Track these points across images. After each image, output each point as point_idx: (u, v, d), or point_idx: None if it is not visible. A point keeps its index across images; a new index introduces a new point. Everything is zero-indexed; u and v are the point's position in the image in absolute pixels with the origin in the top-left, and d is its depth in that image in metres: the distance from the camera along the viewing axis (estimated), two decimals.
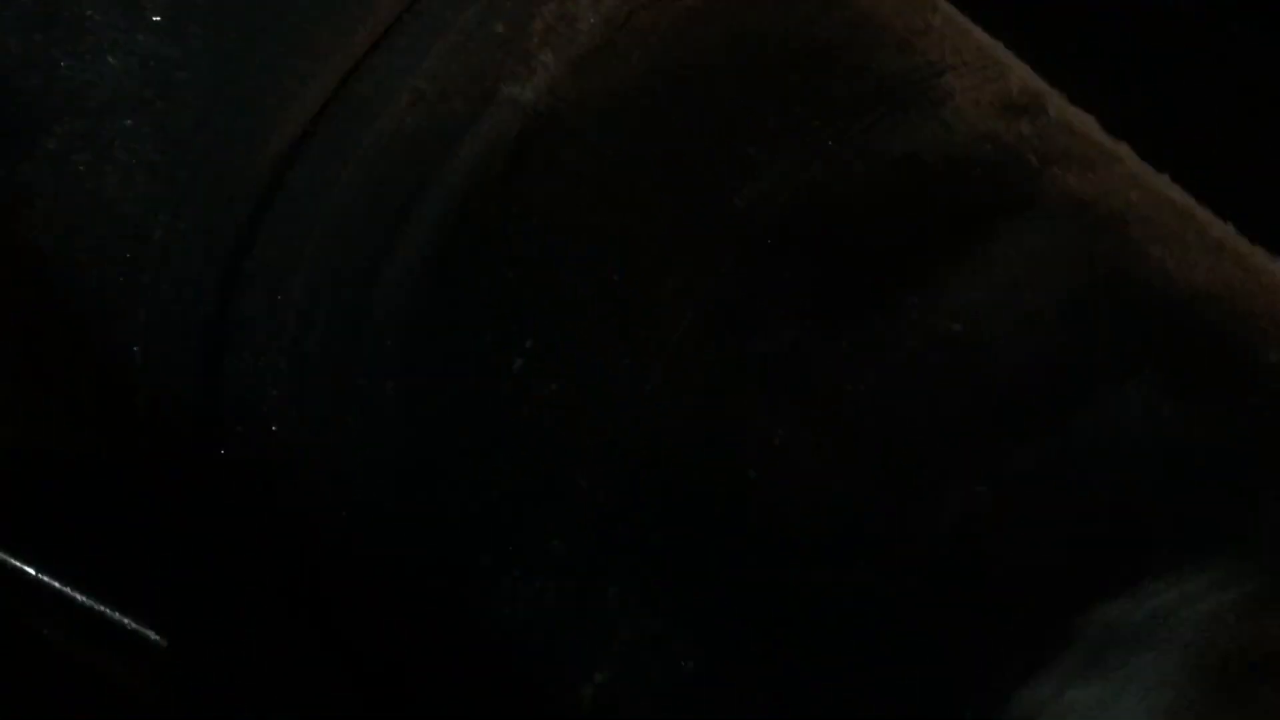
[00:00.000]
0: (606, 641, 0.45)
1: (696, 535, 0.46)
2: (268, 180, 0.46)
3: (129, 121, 0.48)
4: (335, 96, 0.45)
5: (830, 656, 0.44)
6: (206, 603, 0.56)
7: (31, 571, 0.59)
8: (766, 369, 0.47)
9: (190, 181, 0.47)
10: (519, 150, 0.44)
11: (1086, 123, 0.56)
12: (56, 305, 0.49)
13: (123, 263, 0.47)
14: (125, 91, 0.49)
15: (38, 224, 0.51)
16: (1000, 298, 0.49)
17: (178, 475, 0.50)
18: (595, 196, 0.46)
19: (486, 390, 0.44)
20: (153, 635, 0.59)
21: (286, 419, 0.45)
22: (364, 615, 0.48)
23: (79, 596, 0.59)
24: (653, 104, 0.47)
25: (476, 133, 0.45)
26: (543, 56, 0.46)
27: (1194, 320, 0.50)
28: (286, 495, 0.46)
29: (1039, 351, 0.48)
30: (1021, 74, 0.57)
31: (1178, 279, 0.51)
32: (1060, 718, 0.40)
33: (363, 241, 0.45)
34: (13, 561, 0.60)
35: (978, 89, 0.54)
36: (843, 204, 0.50)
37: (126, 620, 0.59)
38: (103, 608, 0.59)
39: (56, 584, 0.59)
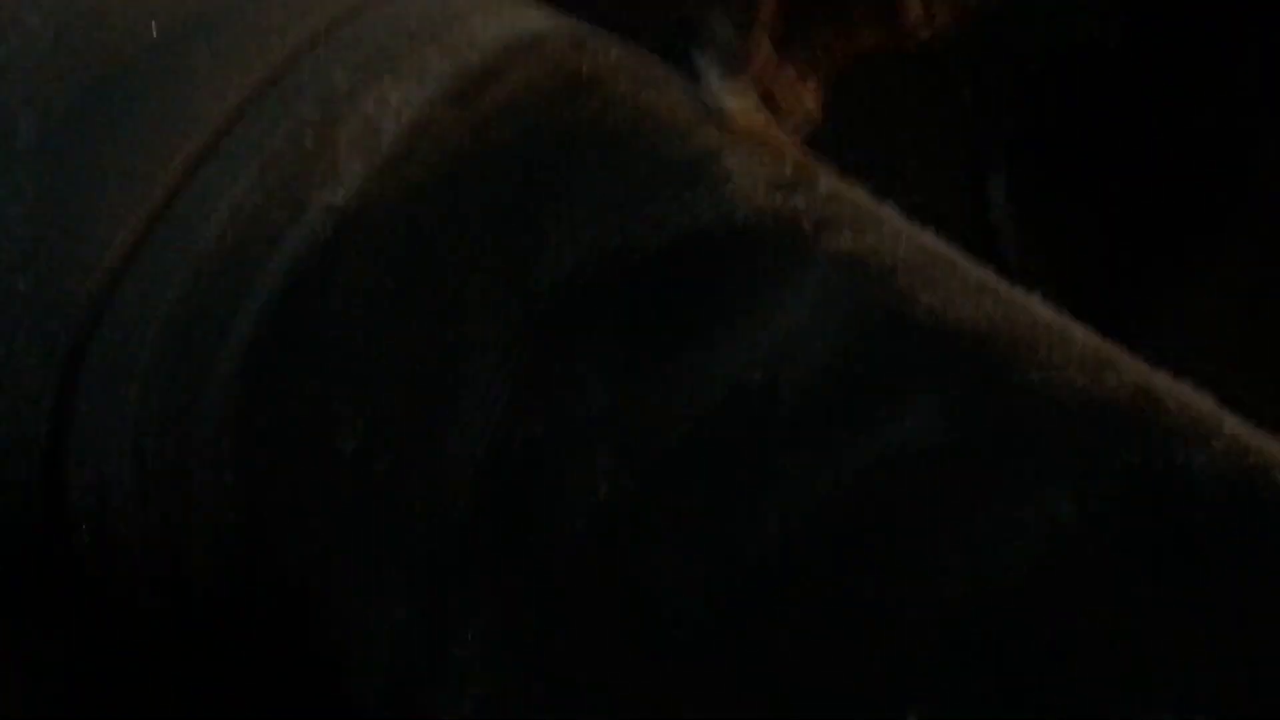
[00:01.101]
0: (459, 700, 0.48)
1: (534, 590, 0.49)
2: (97, 298, 0.48)
3: None
4: (159, 216, 0.49)
5: (668, 682, 0.48)
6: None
7: None
8: (585, 429, 0.51)
9: (22, 308, 0.49)
10: (331, 248, 0.48)
11: (854, 192, 0.63)
12: None
13: None
14: None
15: None
16: (790, 345, 0.55)
17: (26, 594, 0.51)
18: (406, 284, 0.50)
19: (321, 473, 0.47)
20: None
21: (130, 522, 0.48)
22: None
23: None
24: (455, 197, 0.52)
25: (292, 236, 0.48)
26: (350, 164, 0.50)
27: (960, 351, 0.56)
28: (135, 594, 0.48)
29: (827, 388, 0.54)
30: (794, 153, 0.64)
31: (945, 318, 0.57)
32: None
33: (192, 345, 0.48)
34: None
35: (754, 169, 0.61)
36: (640, 273, 0.55)
37: None
38: None
39: None
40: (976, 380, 0.56)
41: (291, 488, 0.47)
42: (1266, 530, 0.52)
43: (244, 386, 0.47)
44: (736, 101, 0.61)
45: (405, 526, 0.46)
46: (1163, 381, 0.57)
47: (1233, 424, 0.57)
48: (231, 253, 0.48)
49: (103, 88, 0.54)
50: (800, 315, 0.56)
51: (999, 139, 0.98)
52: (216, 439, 0.46)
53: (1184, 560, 0.51)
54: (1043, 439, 0.53)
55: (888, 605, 0.49)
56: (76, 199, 0.50)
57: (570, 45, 0.58)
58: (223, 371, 0.47)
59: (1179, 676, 0.48)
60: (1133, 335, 0.65)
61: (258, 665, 0.53)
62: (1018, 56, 0.94)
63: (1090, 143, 0.81)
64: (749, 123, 0.61)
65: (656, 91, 0.61)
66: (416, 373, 0.49)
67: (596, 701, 0.48)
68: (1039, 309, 0.61)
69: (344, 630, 0.47)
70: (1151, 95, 0.89)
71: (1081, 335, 0.60)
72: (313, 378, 0.48)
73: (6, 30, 0.58)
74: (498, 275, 0.52)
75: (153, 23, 0.56)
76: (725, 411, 0.53)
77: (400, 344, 0.49)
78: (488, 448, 0.49)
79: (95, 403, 0.48)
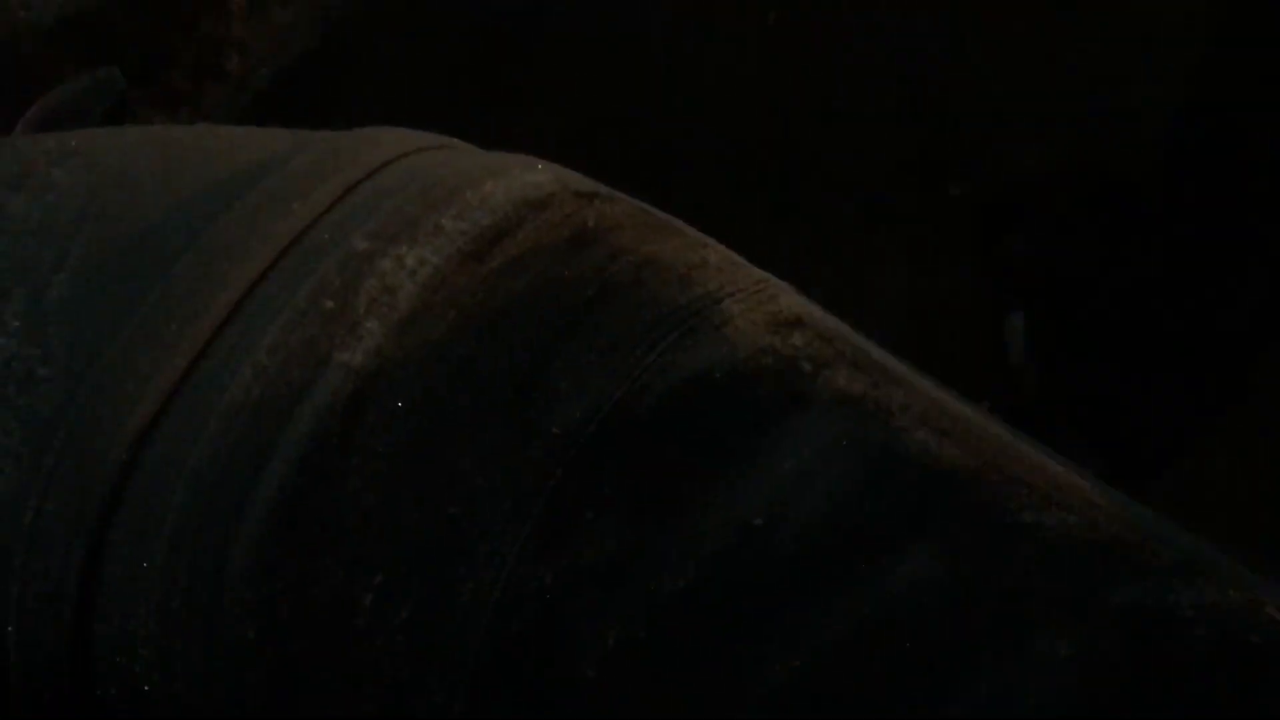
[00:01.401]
0: None
1: (577, 675, 0.50)
2: (126, 459, 0.51)
3: None
4: (185, 379, 0.51)
5: None
6: None
7: None
8: (596, 575, 0.53)
9: (54, 466, 0.51)
10: (352, 408, 0.50)
11: (844, 329, 0.65)
12: None
13: None
14: None
15: None
16: (791, 488, 0.57)
17: None
18: (425, 440, 0.52)
19: (341, 625, 0.49)
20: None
21: (156, 676, 0.49)
22: None
23: None
24: (468, 352, 0.54)
25: (314, 395, 0.51)
26: (368, 324, 0.53)
27: (954, 493, 0.58)
28: None
29: (828, 532, 0.55)
30: (789, 296, 0.66)
31: (939, 457, 0.59)
32: None
33: (217, 505, 0.50)
34: None
35: (753, 311, 0.63)
36: (646, 420, 0.57)
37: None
38: None
39: None
40: (971, 522, 0.57)
41: (313, 639, 0.49)
42: (1257, 669, 0.54)
43: (269, 545, 0.49)
44: None
45: (425, 671, 0.48)
46: (1152, 521, 0.59)
47: (1223, 561, 0.58)
48: (255, 412, 0.50)
49: (133, 249, 0.57)
50: (801, 457, 0.58)
51: (1018, 279, 1.01)
52: (241, 597, 0.48)
53: (1178, 699, 0.53)
54: (1038, 580, 0.55)
55: None
56: (106, 358, 0.52)
57: (576, 201, 0.61)
58: (248, 532, 0.49)
59: None
60: (1144, 474, 0.67)
61: None
62: (1049, 201, 0.98)
63: (1111, 285, 0.83)
64: None
65: (659, 240, 0.64)
66: (434, 526, 0.51)
67: None
68: (1032, 450, 0.63)
69: None
70: (1177, 244, 0.92)
71: (1074, 476, 0.62)
72: (335, 535, 0.49)
73: (37, 188, 0.61)
74: (511, 428, 0.54)
75: (180, 188, 0.59)
76: (729, 557, 0.54)
77: (418, 499, 0.51)
78: (502, 596, 0.51)
79: (123, 561, 0.50)
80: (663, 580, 0.53)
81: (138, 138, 0.65)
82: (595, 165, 0.66)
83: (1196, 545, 0.58)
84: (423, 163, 0.60)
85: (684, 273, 0.63)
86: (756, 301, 0.64)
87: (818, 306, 0.66)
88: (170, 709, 0.49)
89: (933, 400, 0.63)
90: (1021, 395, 0.78)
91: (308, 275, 0.54)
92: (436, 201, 0.57)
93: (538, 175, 0.61)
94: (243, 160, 0.60)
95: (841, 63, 1.06)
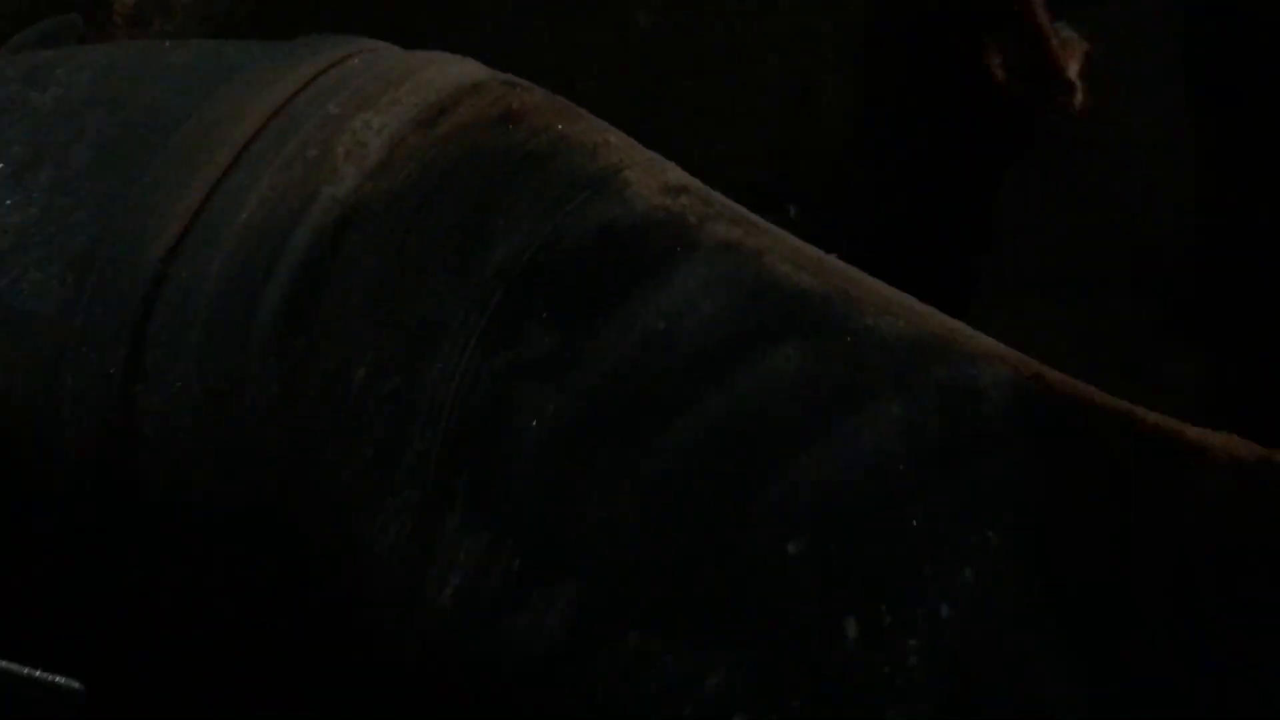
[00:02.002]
0: (446, 575, 0.63)
1: (502, 480, 0.64)
2: (159, 268, 0.63)
3: (36, 254, 0.65)
4: (201, 208, 0.64)
5: (596, 552, 0.63)
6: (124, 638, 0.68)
7: None
8: (536, 365, 0.67)
9: (98, 279, 0.63)
10: (339, 227, 0.64)
11: (721, 196, 0.81)
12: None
13: (48, 351, 0.63)
14: (29, 234, 0.65)
15: None
16: (684, 306, 0.72)
17: (96, 512, 0.64)
18: (394, 260, 0.66)
19: (340, 392, 0.62)
20: (67, 682, 0.71)
21: (192, 429, 0.61)
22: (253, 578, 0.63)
23: None
24: (425, 198, 0.68)
25: (308, 218, 0.64)
26: (345, 169, 0.66)
27: (811, 307, 0.73)
28: (189, 490, 0.62)
29: (713, 335, 0.70)
30: (676, 170, 0.81)
31: (798, 283, 0.75)
32: None
33: (235, 303, 0.62)
34: None
35: (648, 178, 0.78)
36: (566, 257, 0.71)
37: (39, 674, 0.70)
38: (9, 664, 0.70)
39: None
40: (821, 328, 0.73)
41: (319, 401, 0.62)
42: (1043, 430, 0.71)
43: (276, 336, 0.62)
44: None
45: (408, 428, 0.61)
46: (964, 327, 0.76)
47: (1015, 355, 0.76)
48: (262, 231, 0.63)
49: (141, 123, 0.69)
50: (689, 286, 0.73)
51: None
52: (263, 365, 0.61)
53: (976, 447, 0.69)
54: (873, 363, 0.71)
55: (770, 492, 0.66)
56: (132, 197, 0.65)
57: (503, 88, 0.76)
58: (260, 324, 0.62)
59: (972, 530, 0.66)
60: None
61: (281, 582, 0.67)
62: None
63: None
64: None
65: (570, 122, 0.78)
66: (407, 321, 0.64)
67: (552, 559, 0.63)
68: (871, 280, 0.79)
69: (363, 507, 0.61)
70: None
71: (902, 295, 0.78)
72: (331, 324, 0.62)
73: (50, 83, 0.73)
74: (462, 256, 0.68)
75: (173, 76, 0.72)
76: (637, 354, 0.69)
77: (392, 302, 0.64)
78: (462, 378, 0.65)
79: (162, 347, 0.62)
80: (587, 371, 0.68)
81: (128, 46, 0.77)
82: None
83: (995, 343, 0.75)
84: (379, 55, 0.74)
85: (590, 149, 0.78)
86: (650, 172, 0.79)
87: (699, 180, 0.82)
88: (199, 467, 0.62)
89: (793, 245, 0.78)
90: None
91: (293, 133, 0.67)
92: (392, 82, 0.71)
93: (471, 66, 0.76)
94: (227, 53, 0.73)
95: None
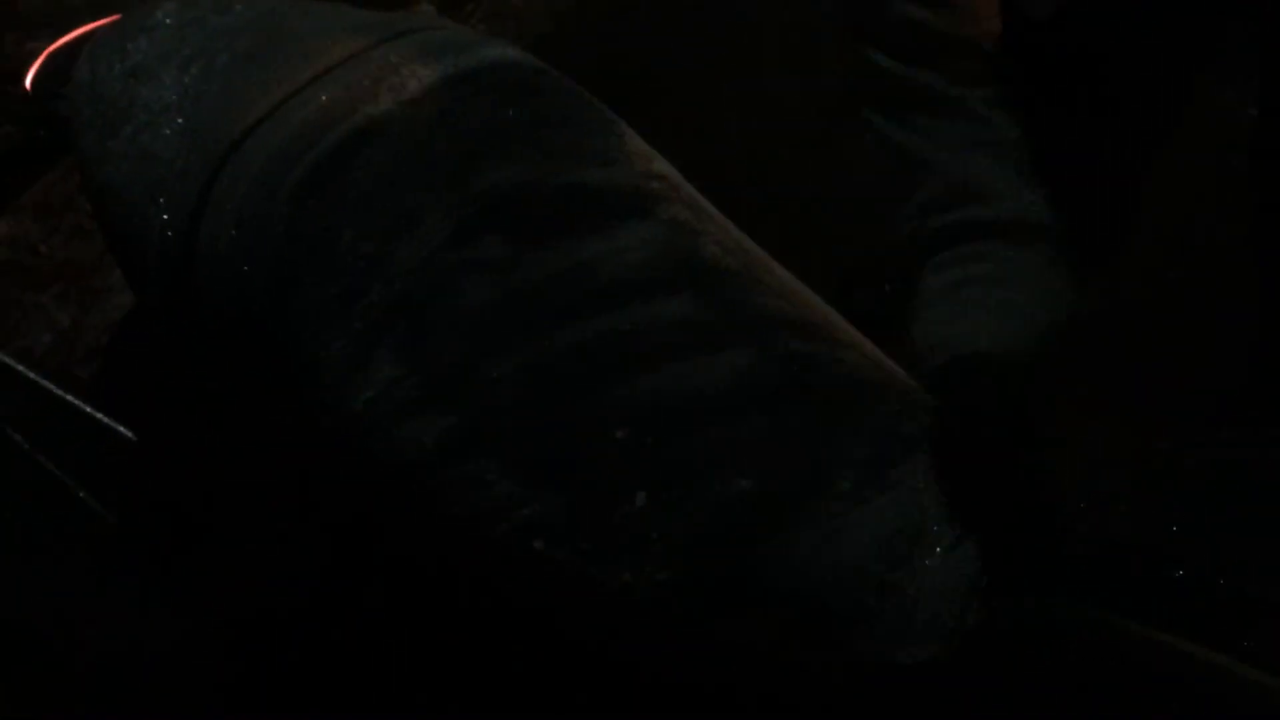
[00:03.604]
0: (371, 378, 0.86)
1: (442, 332, 0.86)
2: (234, 140, 0.90)
3: (169, 116, 0.94)
4: (272, 112, 0.90)
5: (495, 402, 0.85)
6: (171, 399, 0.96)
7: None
8: (491, 266, 0.89)
9: (200, 140, 0.92)
10: (362, 134, 0.89)
11: (692, 189, 1.01)
12: (124, 207, 0.95)
13: (158, 179, 0.92)
14: (171, 103, 0.95)
15: (116, 170, 0.96)
16: (617, 250, 0.91)
17: (167, 298, 0.93)
18: (402, 165, 0.90)
19: (328, 245, 0.87)
20: (122, 429, 0.99)
21: (228, 244, 0.89)
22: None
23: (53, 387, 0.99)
24: (436, 128, 0.91)
25: (343, 124, 0.89)
26: (385, 97, 0.91)
27: (719, 274, 0.92)
28: (220, 286, 0.89)
29: (636, 277, 0.90)
30: (663, 163, 1.02)
31: (720, 260, 0.93)
32: None
33: (276, 169, 0.88)
34: None
35: (635, 163, 0.98)
36: (540, 197, 0.93)
37: (98, 414, 0.99)
38: (73, 399, 0.98)
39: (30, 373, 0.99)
40: (721, 295, 0.92)
41: (313, 249, 0.87)
42: (866, 396, 0.87)
43: (302, 192, 0.87)
44: None
45: (367, 283, 0.85)
46: (834, 315, 0.93)
47: (871, 348, 0.92)
48: (312, 124, 0.89)
49: (270, 45, 0.97)
50: (630, 239, 0.93)
51: None
52: (283, 214, 0.87)
53: (812, 404, 0.86)
54: (744, 327, 0.89)
55: (621, 390, 0.85)
56: (244, 90, 0.93)
57: (532, 69, 0.99)
58: (290, 184, 0.87)
59: (759, 461, 0.83)
60: None
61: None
62: None
63: None
64: None
65: (585, 108, 1.01)
66: (392, 211, 0.88)
67: (441, 394, 0.85)
68: (783, 271, 0.97)
69: (316, 331, 0.86)
70: None
71: (806, 291, 0.96)
72: (337, 198, 0.87)
73: (227, 10, 1.03)
74: (452, 174, 0.91)
75: (308, 20, 1.00)
76: (563, 273, 0.89)
77: (387, 194, 0.88)
78: (422, 259, 0.88)
79: (224, 191, 0.89)
80: (518, 276, 0.89)
81: None
82: None
83: (857, 333, 0.92)
84: (450, 32, 1.00)
85: (593, 130, 0.99)
86: (640, 159, 1.00)
87: (683, 178, 1.02)
88: (228, 276, 0.89)
89: (730, 234, 0.98)
90: None
91: (359, 69, 0.93)
92: (448, 49, 0.96)
93: (514, 51, 1.00)
94: (347, 13, 1.00)
95: None
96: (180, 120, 0.94)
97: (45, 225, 1.97)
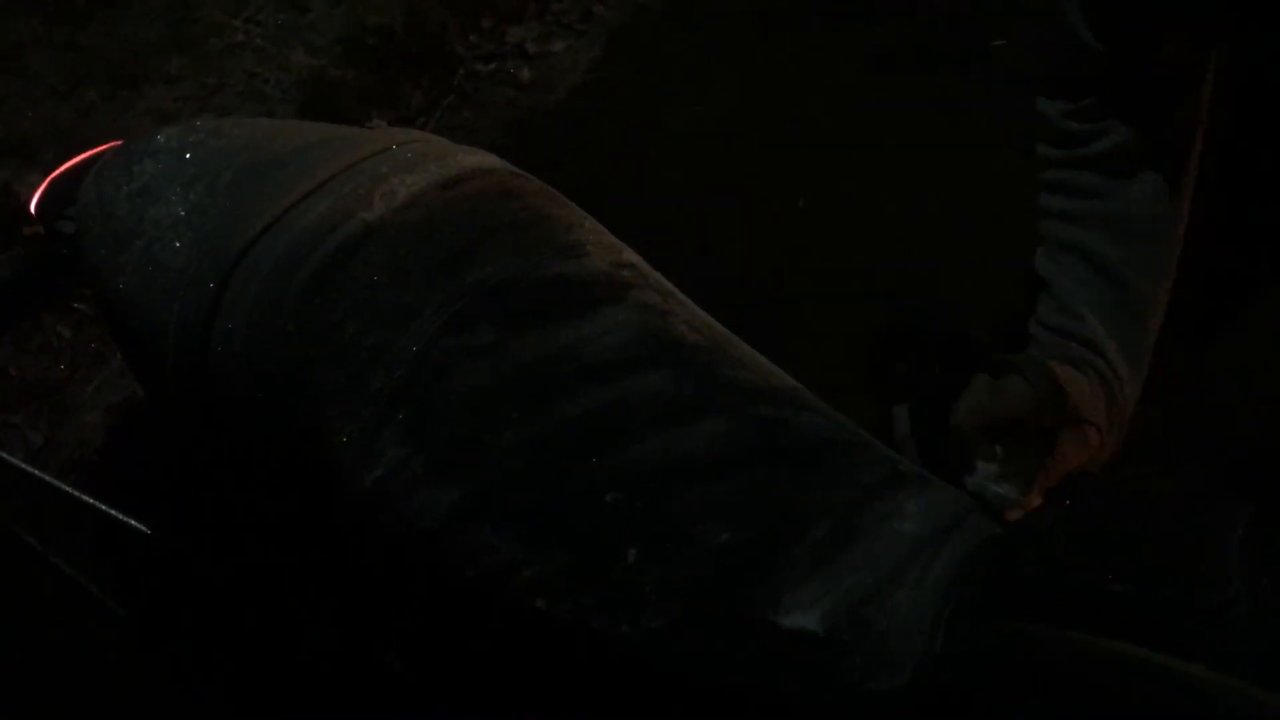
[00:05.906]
0: (380, 459, 0.93)
1: (440, 407, 0.94)
2: (243, 247, 0.99)
3: (180, 229, 1.02)
4: (275, 222, 0.99)
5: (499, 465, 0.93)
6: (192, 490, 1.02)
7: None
8: (483, 351, 0.97)
9: (210, 248, 1.00)
10: (360, 238, 0.98)
11: (659, 276, 1.10)
12: (139, 311, 1.03)
13: (171, 286, 1.00)
14: (179, 218, 1.03)
15: (128, 280, 1.04)
16: (597, 333, 1.00)
17: (182, 392, 1.00)
18: (396, 265, 0.99)
19: (335, 339, 0.95)
20: (135, 523, 1.05)
21: (242, 343, 0.96)
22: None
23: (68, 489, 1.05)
24: (428, 231, 1.01)
25: (344, 229, 0.98)
26: (379, 205, 1.00)
27: (692, 351, 1.01)
28: (233, 379, 0.96)
29: (618, 358, 0.99)
30: (631, 253, 1.12)
31: (688, 339, 1.03)
32: None
33: (282, 272, 0.97)
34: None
35: (604, 254, 1.08)
36: (526, 288, 1.02)
37: (114, 511, 1.05)
38: (91, 500, 1.05)
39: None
40: (693, 371, 1.01)
41: (321, 342, 0.95)
42: (832, 453, 0.96)
43: (308, 292, 0.95)
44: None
45: (372, 372, 0.93)
46: (797, 384, 1.03)
47: (831, 412, 1.01)
48: (313, 231, 0.98)
49: (265, 164, 1.07)
50: (607, 323, 1.02)
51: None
52: (291, 313, 0.95)
53: (786, 462, 0.94)
54: (718, 392, 0.98)
55: (611, 459, 0.93)
56: (245, 204, 1.02)
57: (510, 174, 1.09)
58: (297, 285, 0.96)
59: (739, 514, 0.91)
60: None
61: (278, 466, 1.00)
62: None
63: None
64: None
65: (556, 208, 1.11)
66: (391, 305, 0.97)
67: (447, 472, 0.92)
68: (748, 350, 1.07)
69: (328, 416, 0.94)
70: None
71: (767, 364, 1.05)
72: (340, 295, 0.96)
73: (223, 135, 1.12)
74: (444, 273, 1.00)
75: (287, 140, 1.09)
76: (550, 355, 0.98)
77: (386, 290, 0.97)
78: (420, 348, 0.96)
79: (235, 292, 0.97)
80: (510, 359, 0.98)
81: (275, 120, 1.16)
82: None
83: (818, 400, 1.01)
84: (429, 143, 1.10)
85: (566, 227, 1.10)
86: (608, 250, 1.10)
87: (649, 266, 1.12)
88: (241, 372, 0.96)
89: (697, 316, 1.07)
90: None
91: (353, 180, 1.02)
92: (430, 159, 1.06)
93: (491, 159, 1.10)
94: (334, 131, 1.10)
95: None
96: (190, 233, 1.02)
97: (14, 348, 2.02)
